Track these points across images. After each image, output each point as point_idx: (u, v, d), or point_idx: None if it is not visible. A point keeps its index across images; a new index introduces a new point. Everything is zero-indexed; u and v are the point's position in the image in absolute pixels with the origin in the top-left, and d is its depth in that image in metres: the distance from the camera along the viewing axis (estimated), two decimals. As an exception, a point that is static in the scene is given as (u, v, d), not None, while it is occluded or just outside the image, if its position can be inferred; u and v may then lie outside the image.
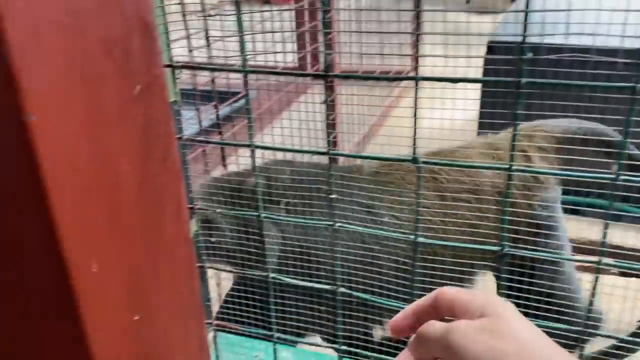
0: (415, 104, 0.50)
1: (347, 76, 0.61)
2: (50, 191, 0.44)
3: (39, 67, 0.42)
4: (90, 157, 0.48)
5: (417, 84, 0.52)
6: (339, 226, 0.58)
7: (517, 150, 0.90)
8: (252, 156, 0.59)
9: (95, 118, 0.48)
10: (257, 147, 0.58)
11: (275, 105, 2.48)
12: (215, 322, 0.73)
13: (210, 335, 0.73)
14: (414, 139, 0.49)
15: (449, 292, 0.49)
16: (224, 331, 0.79)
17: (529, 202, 0.99)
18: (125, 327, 0.55)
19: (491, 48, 2.10)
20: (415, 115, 0.49)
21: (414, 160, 0.52)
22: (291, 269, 0.75)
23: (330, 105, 2.45)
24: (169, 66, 0.58)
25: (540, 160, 1.07)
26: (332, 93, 2.43)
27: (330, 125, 2.45)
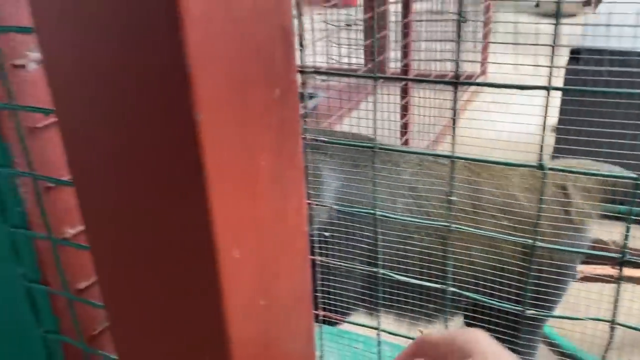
0: (545, 113, 0.52)
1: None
2: (210, 183, 0.49)
3: (209, 71, 0.47)
4: (239, 154, 0.53)
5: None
6: (455, 228, 0.61)
7: (556, 185, 0.87)
8: (373, 157, 0.62)
9: (243, 118, 0.53)
10: (381, 149, 0.61)
11: (345, 105, 2.52)
12: (322, 312, 0.77)
13: (316, 325, 0.77)
14: (541, 145, 0.51)
15: (430, 338, 0.53)
16: (328, 322, 0.83)
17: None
18: (255, 311, 0.60)
19: (576, 54, 2.05)
20: (543, 123, 0.51)
21: (540, 166, 0.54)
22: (402, 266, 0.78)
23: (403, 107, 2.47)
24: (300, 71, 0.62)
25: (581, 199, 1.02)
26: (406, 96, 2.45)
27: (403, 127, 2.47)
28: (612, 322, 0.56)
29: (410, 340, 0.60)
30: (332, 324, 0.85)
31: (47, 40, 0.50)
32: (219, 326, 0.56)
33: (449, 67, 3.09)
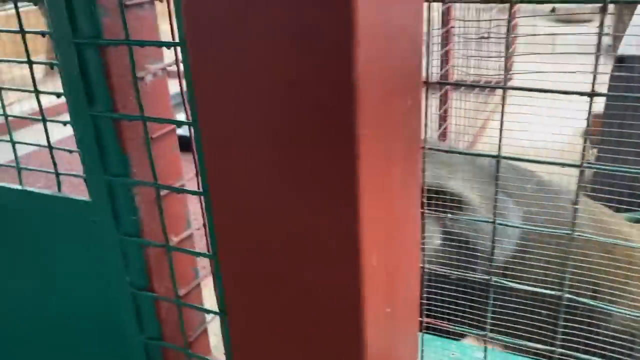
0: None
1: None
2: (362, 193, 0.50)
3: (367, 84, 0.48)
4: (381, 163, 0.54)
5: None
6: (578, 235, 0.62)
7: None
8: (497, 166, 0.63)
9: (386, 129, 0.54)
10: (504, 157, 0.62)
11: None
12: (426, 319, 0.78)
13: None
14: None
15: None
16: (432, 328, 0.84)
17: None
18: (383, 318, 0.61)
19: (621, 60, 2.05)
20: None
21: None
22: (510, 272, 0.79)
23: (443, 112, 2.49)
24: (425, 82, 0.63)
25: None
26: (446, 101, 2.46)
27: (443, 132, 2.48)
28: None
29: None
30: (434, 331, 0.87)
31: (209, 54, 0.52)
32: (356, 335, 0.57)
33: (482, 72, 3.08)
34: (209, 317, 0.89)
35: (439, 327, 0.80)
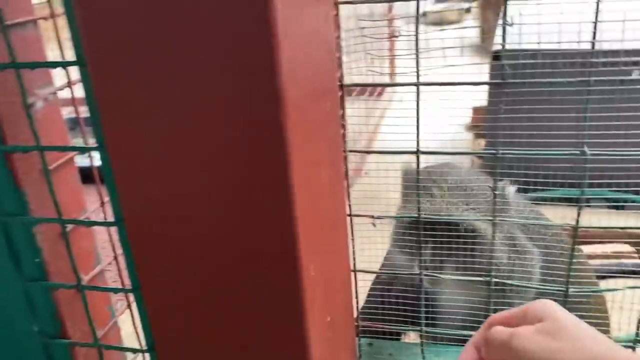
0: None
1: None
2: (296, 202, 0.49)
3: (292, 87, 0.46)
4: (309, 169, 0.53)
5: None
6: (500, 220, 0.64)
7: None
8: (417, 161, 0.64)
9: (310, 132, 0.53)
10: (423, 152, 0.63)
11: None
12: (362, 323, 0.77)
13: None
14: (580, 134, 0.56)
15: (501, 314, 0.56)
16: (366, 331, 0.83)
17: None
18: (324, 328, 0.59)
19: (497, 56, 2.20)
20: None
21: (582, 152, 0.58)
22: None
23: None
24: (340, 85, 0.63)
25: None
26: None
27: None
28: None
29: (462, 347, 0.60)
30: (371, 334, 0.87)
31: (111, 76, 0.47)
32: (302, 349, 0.55)
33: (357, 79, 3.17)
34: (131, 355, 0.82)
35: (377, 329, 0.80)
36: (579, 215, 0.62)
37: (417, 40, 0.58)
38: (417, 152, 0.63)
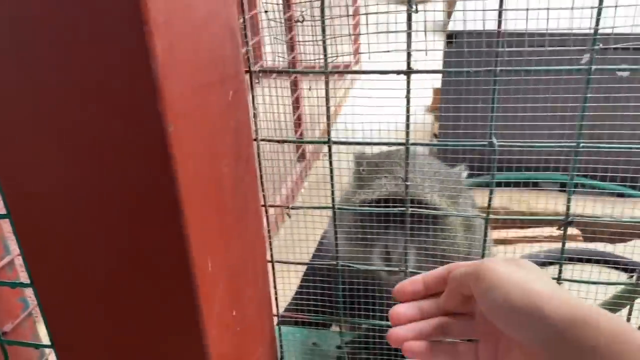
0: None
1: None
2: (183, 196, 0.46)
3: (174, 78, 0.44)
4: (205, 161, 0.50)
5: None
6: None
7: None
8: (330, 152, 0.62)
9: (206, 123, 0.51)
10: (336, 142, 0.61)
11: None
12: (281, 313, 0.76)
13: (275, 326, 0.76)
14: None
15: (462, 263, 0.55)
16: (286, 322, 0.82)
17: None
18: (228, 322, 0.58)
19: (450, 37, 2.19)
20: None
21: (490, 144, 0.57)
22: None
23: (295, 100, 2.50)
24: (247, 72, 0.60)
25: None
26: (296, 89, 2.47)
27: (297, 119, 2.49)
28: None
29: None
30: (293, 323, 0.86)
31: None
32: (199, 345, 0.53)
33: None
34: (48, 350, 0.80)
35: (298, 319, 0.79)
36: (490, 199, 0.62)
37: (323, 26, 0.55)
38: (329, 143, 0.62)
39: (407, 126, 0.59)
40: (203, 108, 0.50)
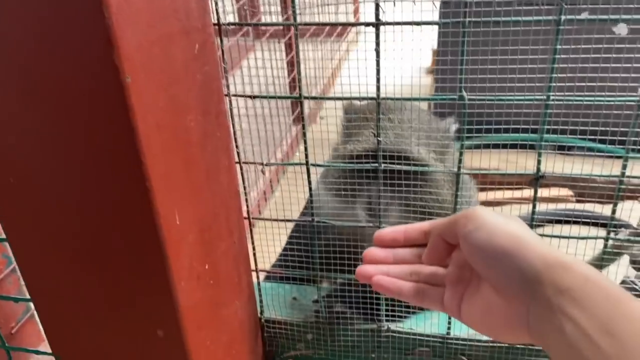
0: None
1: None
2: (144, 148, 0.47)
3: (130, 28, 0.43)
4: (168, 114, 0.50)
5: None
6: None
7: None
8: (301, 106, 0.62)
9: (168, 76, 0.50)
10: (307, 97, 0.61)
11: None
12: (259, 268, 0.77)
13: (254, 280, 0.77)
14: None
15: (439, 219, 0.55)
16: (271, 278, 0.83)
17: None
18: (200, 275, 0.59)
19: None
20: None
21: (460, 97, 0.57)
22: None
23: (290, 62, 2.47)
24: (216, 24, 0.60)
25: None
26: (291, 50, 2.44)
27: (292, 81, 2.47)
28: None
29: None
30: (273, 278, 0.87)
31: None
32: (168, 296, 0.54)
33: (326, 18, 3.08)
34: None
35: (277, 274, 0.80)
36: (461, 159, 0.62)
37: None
38: (300, 97, 0.61)
39: (378, 80, 0.58)
40: (164, 60, 0.49)
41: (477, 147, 0.73)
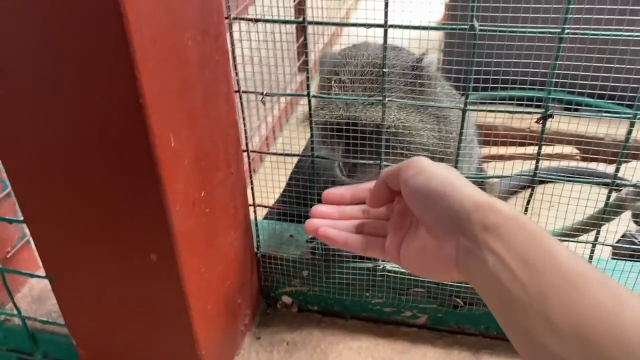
0: None
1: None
2: (138, 62, 0.45)
3: None
4: (165, 29, 0.48)
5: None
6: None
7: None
8: (305, 32, 0.60)
9: (165, -11, 0.48)
10: (311, 22, 0.59)
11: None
12: (257, 203, 0.76)
13: (252, 215, 0.76)
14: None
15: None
16: (270, 217, 0.83)
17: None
18: (195, 202, 0.58)
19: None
20: None
21: (471, 27, 0.54)
22: None
23: (298, 11, 2.40)
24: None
25: None
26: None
27: (300, 30, 2.41)
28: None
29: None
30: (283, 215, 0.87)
31: None
32: (162, 219, 0.53)
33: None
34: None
35: (272, 208, 0.79)
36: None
37: None
38: (304, 22, 0.59)
39: (386, 5, 0.56)
40: (161, -30, 0.47)
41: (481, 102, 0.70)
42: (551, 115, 0.58)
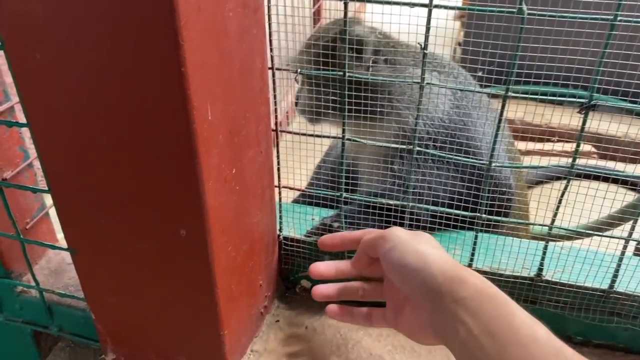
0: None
1: None
2: (183, 30, 0.43)
3: None
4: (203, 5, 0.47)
5: None
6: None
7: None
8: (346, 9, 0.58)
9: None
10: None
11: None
12: (282, 185, 0.75)
13: (277, 196, 0.75)
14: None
15: (374, 230, 0.66)
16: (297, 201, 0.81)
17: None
18: (227, 178, 0.57)
19: None
20: None
21: (520, 11, 0.53)
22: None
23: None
24: None
25: None
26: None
27: (316, 14, 2.39)
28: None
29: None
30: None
31: None
32: (195, 193, 0.52)
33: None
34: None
35: (295, 189, 0.78)
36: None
37: None
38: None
39: None
40: None
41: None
42: (594, 106, 0.57)
